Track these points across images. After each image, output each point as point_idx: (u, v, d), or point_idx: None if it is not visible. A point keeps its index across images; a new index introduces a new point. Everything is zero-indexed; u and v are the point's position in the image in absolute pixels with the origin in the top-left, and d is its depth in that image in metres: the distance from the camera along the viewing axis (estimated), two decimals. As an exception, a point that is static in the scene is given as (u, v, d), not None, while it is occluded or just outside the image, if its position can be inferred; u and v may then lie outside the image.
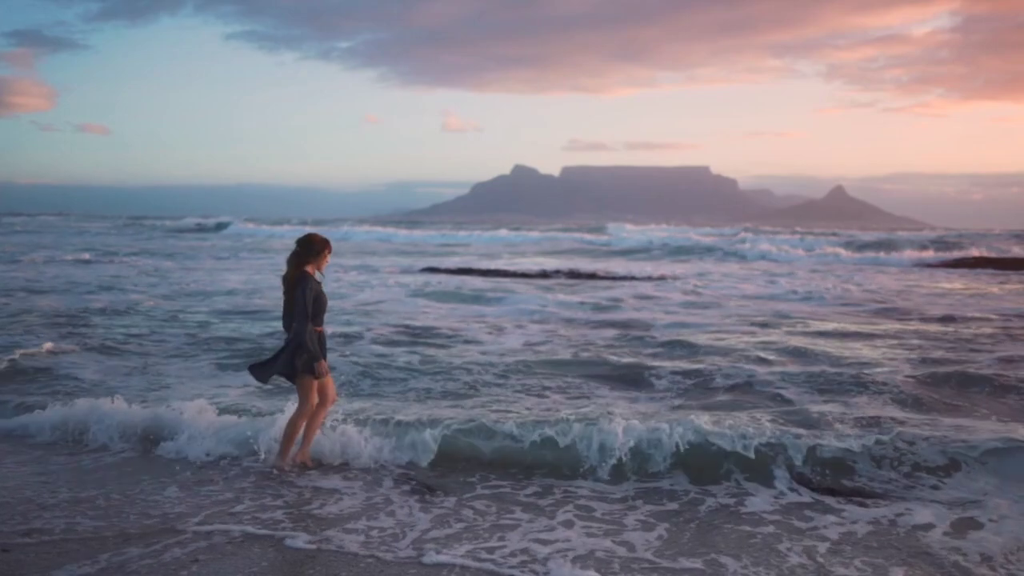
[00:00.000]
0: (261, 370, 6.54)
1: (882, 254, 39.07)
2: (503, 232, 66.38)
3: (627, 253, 45.28)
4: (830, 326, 14.73)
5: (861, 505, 5.95)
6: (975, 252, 38.65)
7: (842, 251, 40.73)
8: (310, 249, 6.44)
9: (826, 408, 8.26)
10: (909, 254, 38.79)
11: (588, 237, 58.24)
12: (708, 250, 43.39)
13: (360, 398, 8.88)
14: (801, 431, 7.12)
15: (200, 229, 71.98)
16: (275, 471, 6.52)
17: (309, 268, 6.45)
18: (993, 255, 37.45)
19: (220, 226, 73.41)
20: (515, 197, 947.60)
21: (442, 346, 12.24)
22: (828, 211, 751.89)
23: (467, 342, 12.69)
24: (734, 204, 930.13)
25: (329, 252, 6.56)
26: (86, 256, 33.26)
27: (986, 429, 7.35)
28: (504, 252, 44.89)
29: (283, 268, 6.64)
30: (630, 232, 62.33)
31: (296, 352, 6.37)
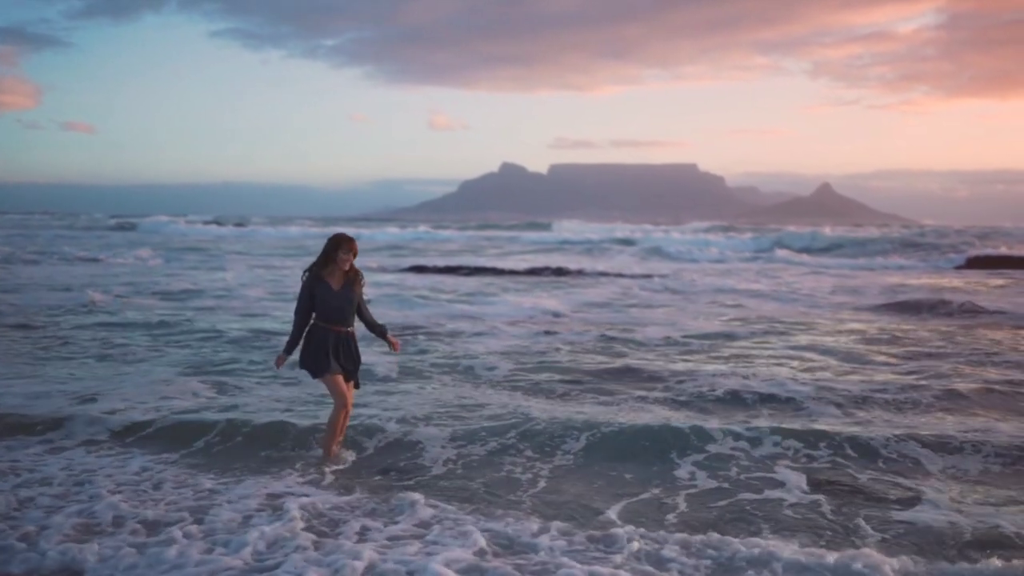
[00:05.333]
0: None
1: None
2: (451, 231, 66.39)
3: (570, 248, 45.47)
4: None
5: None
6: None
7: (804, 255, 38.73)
8: (324, 249, 6.58)
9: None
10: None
11: (531, 235, 58.88)
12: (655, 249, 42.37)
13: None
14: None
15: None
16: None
17: (330, 267, 6.54)
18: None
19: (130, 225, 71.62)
20: (503, 195, 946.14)
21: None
22: (815, 208, 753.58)
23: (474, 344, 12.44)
24: (721, 202, 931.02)
25: (345, 250, 6.49)
26: None
27: None
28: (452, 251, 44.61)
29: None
30: (579, 230, 64.05)
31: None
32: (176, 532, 5.20)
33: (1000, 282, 25.60)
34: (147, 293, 19.32)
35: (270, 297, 18.74)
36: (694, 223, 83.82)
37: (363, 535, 5.23)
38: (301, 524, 5.35)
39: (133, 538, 5.15)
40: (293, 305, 6.85)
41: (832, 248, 42.57)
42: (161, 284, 21.54)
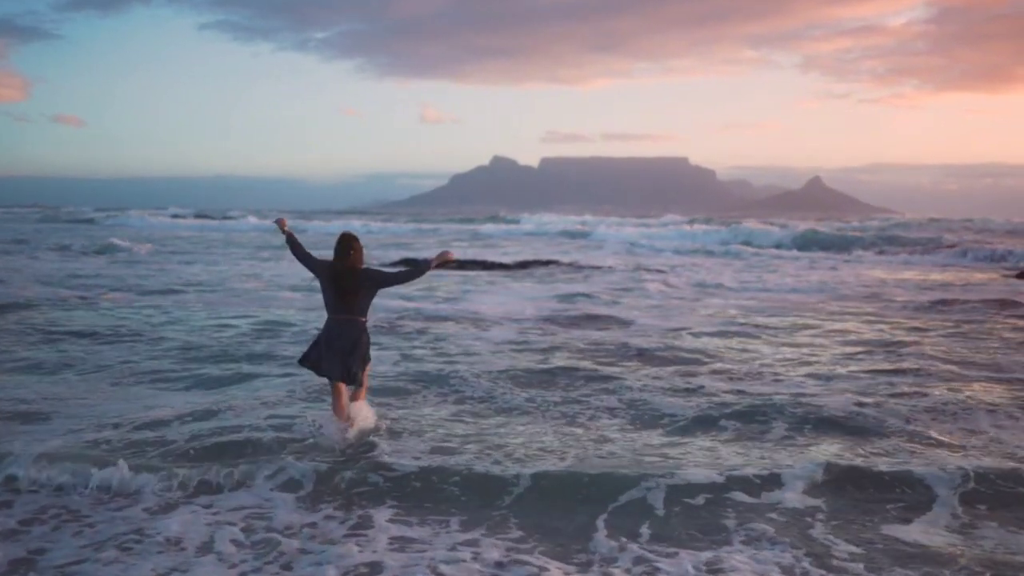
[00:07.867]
0: (332, 365, 6.94)
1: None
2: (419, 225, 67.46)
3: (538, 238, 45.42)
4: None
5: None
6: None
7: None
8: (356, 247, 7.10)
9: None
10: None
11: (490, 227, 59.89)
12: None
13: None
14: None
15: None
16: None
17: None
18: None
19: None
20: (494, 188, 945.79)
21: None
22: (806, 201, 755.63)
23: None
24: (713, 195, 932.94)
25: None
26: None
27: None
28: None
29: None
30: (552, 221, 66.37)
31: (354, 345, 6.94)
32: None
33: (983, 276, 25.46)
34: (128, 289, 18.98)
35: (254, 292, 18.42)
36: (669, 216, 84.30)
37: (319, 565, 4.87)
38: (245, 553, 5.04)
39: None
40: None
41: (809, 240, 42.30)
42: (143, 280, 21.22)
